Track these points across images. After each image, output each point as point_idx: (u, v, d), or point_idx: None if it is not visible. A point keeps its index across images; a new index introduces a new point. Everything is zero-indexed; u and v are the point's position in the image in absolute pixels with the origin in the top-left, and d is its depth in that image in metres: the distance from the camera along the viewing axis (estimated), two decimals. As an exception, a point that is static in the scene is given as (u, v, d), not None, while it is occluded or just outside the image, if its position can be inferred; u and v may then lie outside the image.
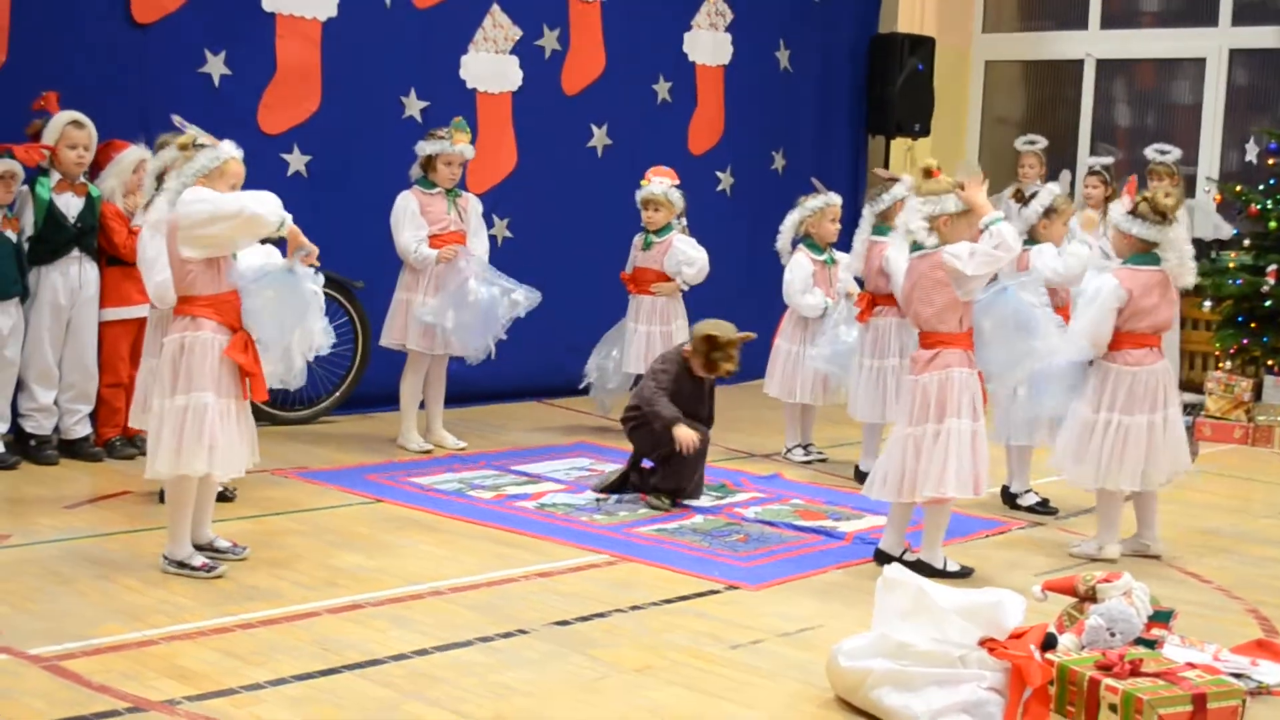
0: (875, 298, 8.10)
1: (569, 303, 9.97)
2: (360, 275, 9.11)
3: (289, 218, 5.92)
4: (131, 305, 8.06)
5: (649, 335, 9.25)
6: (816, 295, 8.67)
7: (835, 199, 8.83)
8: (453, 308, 8.36)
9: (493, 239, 9.30)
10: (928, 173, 6.37)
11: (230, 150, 6.00)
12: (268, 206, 5.84)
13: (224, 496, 6.95)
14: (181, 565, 5.95)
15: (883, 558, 6.36)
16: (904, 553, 6.40)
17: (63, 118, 7.77)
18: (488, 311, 8.39)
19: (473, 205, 8.71)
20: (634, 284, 9.42)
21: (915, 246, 6.28)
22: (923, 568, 6.10)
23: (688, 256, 9.26)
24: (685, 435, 7.39)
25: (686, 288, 9.38)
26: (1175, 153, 11.26)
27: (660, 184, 9.32)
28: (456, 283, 8.37)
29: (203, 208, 5.76)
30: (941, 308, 6.19)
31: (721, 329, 7.61)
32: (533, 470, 8.27)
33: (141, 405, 6.88)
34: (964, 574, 6.35)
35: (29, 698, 4.51)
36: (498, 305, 8.42)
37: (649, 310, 9.32)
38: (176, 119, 6.10)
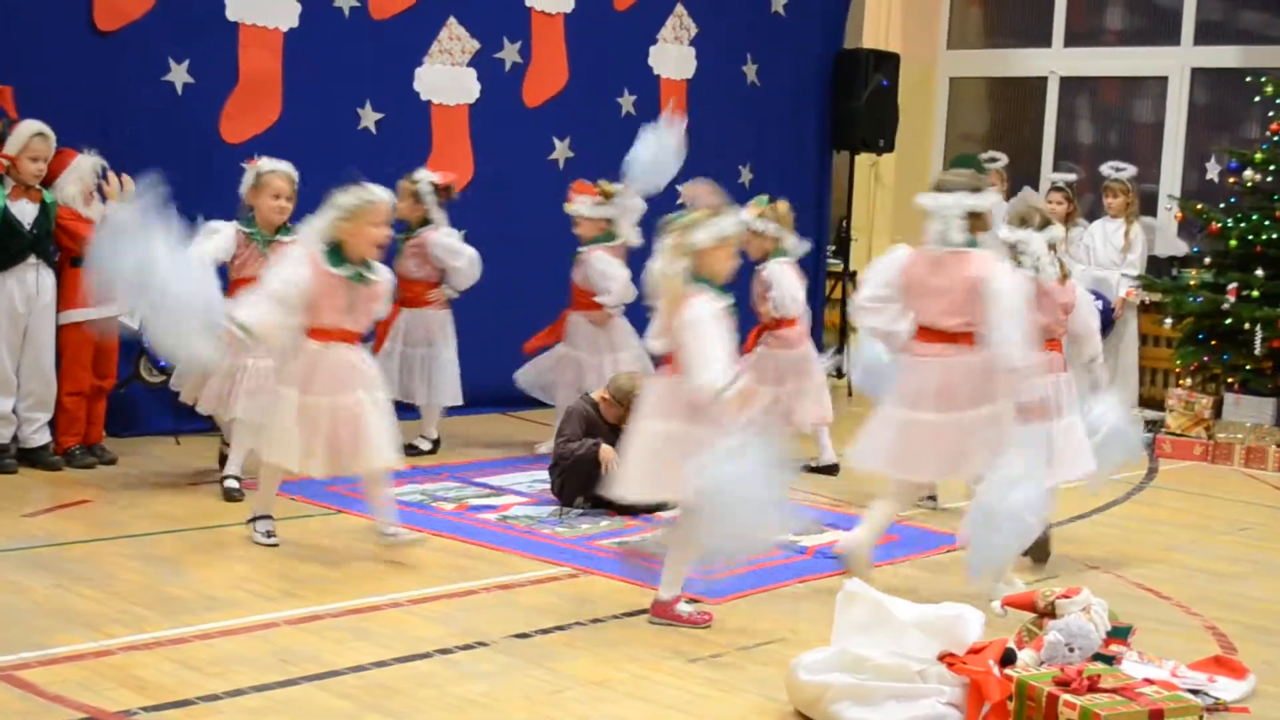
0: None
1: (531, 315, 9.93)
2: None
3: None
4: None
5: None
6: None
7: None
8: None
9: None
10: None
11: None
12: None
13: (232, 496, 7.43)
14: None
15: None
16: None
17: (28, 129, 7.72)
18: None
19: None
20: None
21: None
22: None
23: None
24: (607, 453, 7.48)
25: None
26: (1130, 170, 11.44)
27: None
28: None
29: None
30: None
31: None
32: (496, 483, 8.27)
33: None
34: None
35: (-18, 708, 4.48)
36: None
37: None
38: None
